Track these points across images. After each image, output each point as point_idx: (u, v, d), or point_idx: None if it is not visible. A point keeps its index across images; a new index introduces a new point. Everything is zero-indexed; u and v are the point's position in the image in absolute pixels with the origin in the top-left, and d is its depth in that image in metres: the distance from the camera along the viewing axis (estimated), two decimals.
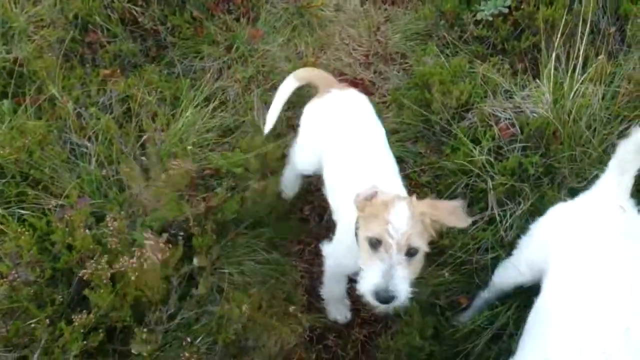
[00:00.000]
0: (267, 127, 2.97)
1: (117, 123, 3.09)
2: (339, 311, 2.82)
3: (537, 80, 3.20)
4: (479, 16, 3.48)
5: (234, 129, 3.39)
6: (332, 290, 2.72)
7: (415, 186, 3.14)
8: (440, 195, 3.01)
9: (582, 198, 2.34)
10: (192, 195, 2.64)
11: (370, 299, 2.00)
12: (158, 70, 3.54)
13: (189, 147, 2.81)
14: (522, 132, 3.00)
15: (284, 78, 3.67)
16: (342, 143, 2.60)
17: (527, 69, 3.41)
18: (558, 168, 2.95)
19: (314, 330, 2.81)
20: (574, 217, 2.28)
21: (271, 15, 4.01)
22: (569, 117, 2.97)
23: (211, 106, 3.33)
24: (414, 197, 2.09)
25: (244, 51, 3.69)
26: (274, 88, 3.63)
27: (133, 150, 2.93)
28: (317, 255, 3.07)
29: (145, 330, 2.22)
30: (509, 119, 3.07)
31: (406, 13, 4.39)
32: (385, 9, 4.40)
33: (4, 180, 2.55)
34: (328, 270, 2.61)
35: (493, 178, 2.90)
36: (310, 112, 2.85)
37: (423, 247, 2.02)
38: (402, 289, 1.96)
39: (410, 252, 2.00)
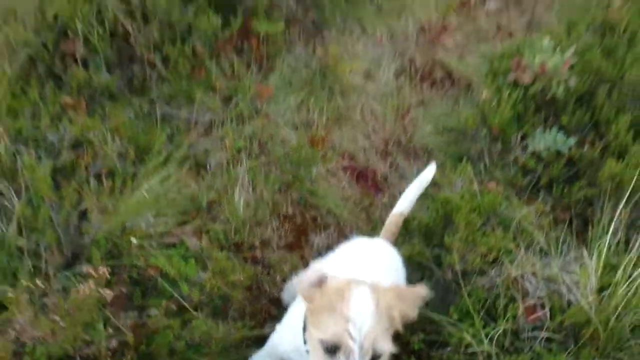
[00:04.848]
0: None
1: (61, 174, 2.46)
2: None
3: (584, 249, 2.58)
4: (530, 146, 2.86)
5: (208, 206, 2.75)
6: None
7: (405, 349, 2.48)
8: None
9: None
10: (114, 312, 2.00)
11: None
12: (134, 108, 2.89)
13: (133, 240, 2.17)
14: (551, 318, 2.37)
15: (285, 152, 3.05)
16: None
17: (573, 224, 2.78)
18: None
19: None
20: None
21: (289, 69, 3.37)
22: (614, 313, 2.35)
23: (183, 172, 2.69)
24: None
25: (244, 109, 3.03)
26: (269, 163, 3.00)
27: (68, 219, 2.29)
28: None
29: None
30: (538, 291, 2.45)
31: (444, 98, 3.78)
32: (422, 89, 3.78)
33: None
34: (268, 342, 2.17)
35: None
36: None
37: (389, 349, 1.60)
38: None
39: (374, 358, 1.57)
